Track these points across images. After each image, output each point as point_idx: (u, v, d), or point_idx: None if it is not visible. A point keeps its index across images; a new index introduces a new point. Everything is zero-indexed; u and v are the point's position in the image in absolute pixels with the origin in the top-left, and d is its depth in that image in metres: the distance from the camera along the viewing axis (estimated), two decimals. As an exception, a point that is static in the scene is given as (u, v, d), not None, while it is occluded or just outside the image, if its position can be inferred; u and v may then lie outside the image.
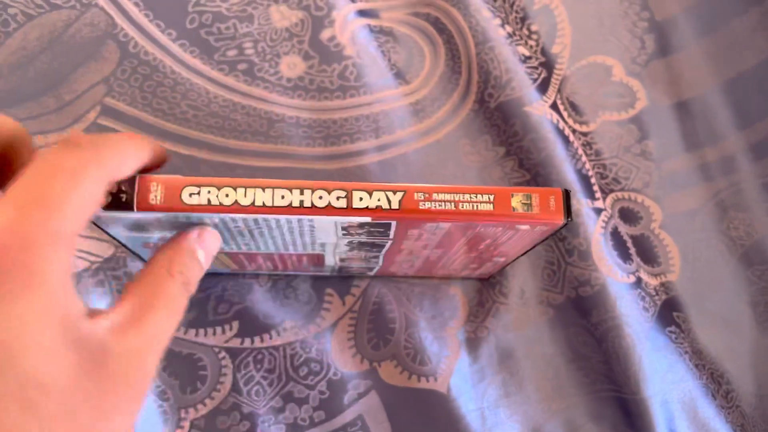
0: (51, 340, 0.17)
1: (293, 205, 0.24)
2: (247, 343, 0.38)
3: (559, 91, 0.43)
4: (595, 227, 0.40)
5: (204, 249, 0.25)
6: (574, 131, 0.42)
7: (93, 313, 0.19)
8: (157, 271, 0.23)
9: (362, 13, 0.44)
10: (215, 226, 0.26)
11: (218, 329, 0.38)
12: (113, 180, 0.21)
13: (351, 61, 0.42)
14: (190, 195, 0.24)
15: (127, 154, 0.22)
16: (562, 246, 0.40)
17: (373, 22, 0.44)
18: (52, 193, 0.18)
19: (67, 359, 0.18)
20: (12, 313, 0.17)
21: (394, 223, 0.26)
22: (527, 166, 0.41)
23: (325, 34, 0.43)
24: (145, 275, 0.23)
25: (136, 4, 0.41)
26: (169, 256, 0.24)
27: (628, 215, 0.42)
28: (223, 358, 0.37)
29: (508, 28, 0.43)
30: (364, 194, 0.25)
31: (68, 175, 0.19)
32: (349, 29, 0.43)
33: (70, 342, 0.18)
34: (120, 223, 0.26)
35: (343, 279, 0.39)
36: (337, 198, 0.24)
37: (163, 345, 0.21)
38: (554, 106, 0.42)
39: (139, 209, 0.23)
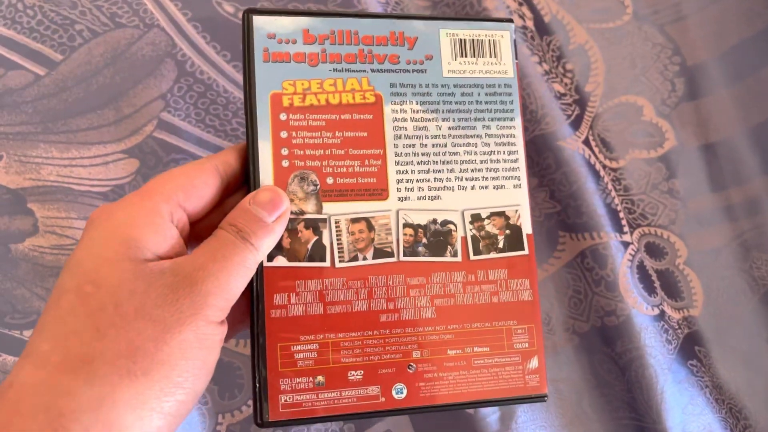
0: (114, 254, 0.24)
1: None
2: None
3: (591, 127, 0.45)
4: (622, 260, 0.41)
5: (258, 203, 0.28)
6: (604, 167, 0.44)
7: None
8: (215, 231, 0.27)
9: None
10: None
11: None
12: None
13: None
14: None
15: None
16: (589, 276, 0.42)
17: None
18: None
19: (122, 268, 0.24)
20: (96, 233, 0.24)
21: None
22: (558, 198, 0.43)
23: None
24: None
25: (195, 27, 0.44)
26: (227, 217, 0.28)
27: (653, 250, 0.44)
28: (262, 366, 0.39)
29: (545, 66, 0.45)
30: None
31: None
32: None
33: (130, 258, 0.24)
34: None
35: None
36: None
37: (218, 278, 0.25)
38: (586, 142, 0.44)
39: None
